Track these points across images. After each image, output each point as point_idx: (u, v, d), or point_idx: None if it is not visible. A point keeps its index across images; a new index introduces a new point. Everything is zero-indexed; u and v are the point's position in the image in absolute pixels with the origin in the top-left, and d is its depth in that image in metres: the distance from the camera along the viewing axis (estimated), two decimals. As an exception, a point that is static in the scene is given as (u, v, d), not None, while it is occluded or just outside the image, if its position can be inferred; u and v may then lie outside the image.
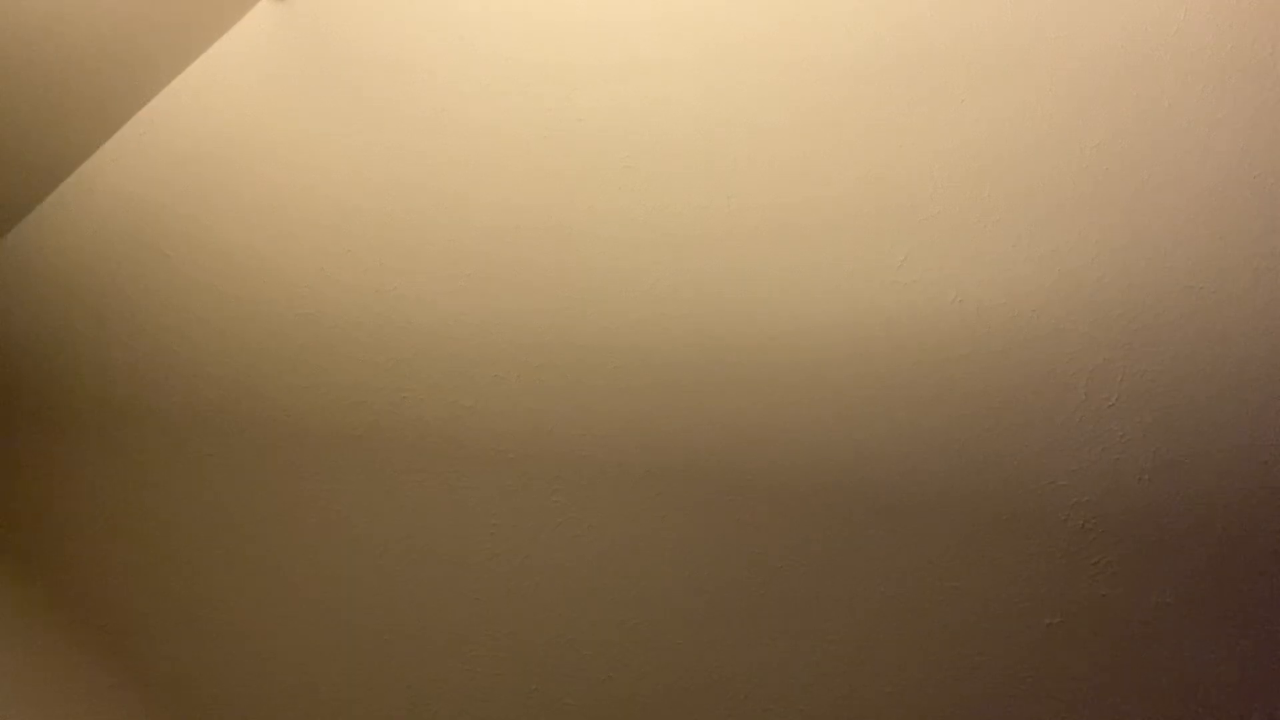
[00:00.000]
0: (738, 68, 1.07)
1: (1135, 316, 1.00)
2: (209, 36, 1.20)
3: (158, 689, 1.30)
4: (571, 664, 1.14)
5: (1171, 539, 1.01)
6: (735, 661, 1.08)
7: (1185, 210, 0.98)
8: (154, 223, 1.25)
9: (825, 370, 1.08)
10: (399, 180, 1.18)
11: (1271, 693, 0.99)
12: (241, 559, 1.27)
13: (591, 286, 1.14)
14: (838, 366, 1.08)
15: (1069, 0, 0.99)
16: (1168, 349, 1.00)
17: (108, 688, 1.31)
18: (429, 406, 1.19)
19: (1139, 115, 0.98)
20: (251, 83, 1.20)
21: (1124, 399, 1.01)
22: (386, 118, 1.17)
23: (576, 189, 1.13)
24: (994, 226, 1.02)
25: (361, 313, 1.21)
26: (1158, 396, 1.00)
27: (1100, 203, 1.00)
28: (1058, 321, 1.02)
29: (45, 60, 1.12)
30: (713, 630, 1.09)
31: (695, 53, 1.08)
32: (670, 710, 1.10)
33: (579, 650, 1.14)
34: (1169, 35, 0.96)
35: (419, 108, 1.16)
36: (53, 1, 1.07)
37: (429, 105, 1.16)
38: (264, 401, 1.24)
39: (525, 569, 1.17)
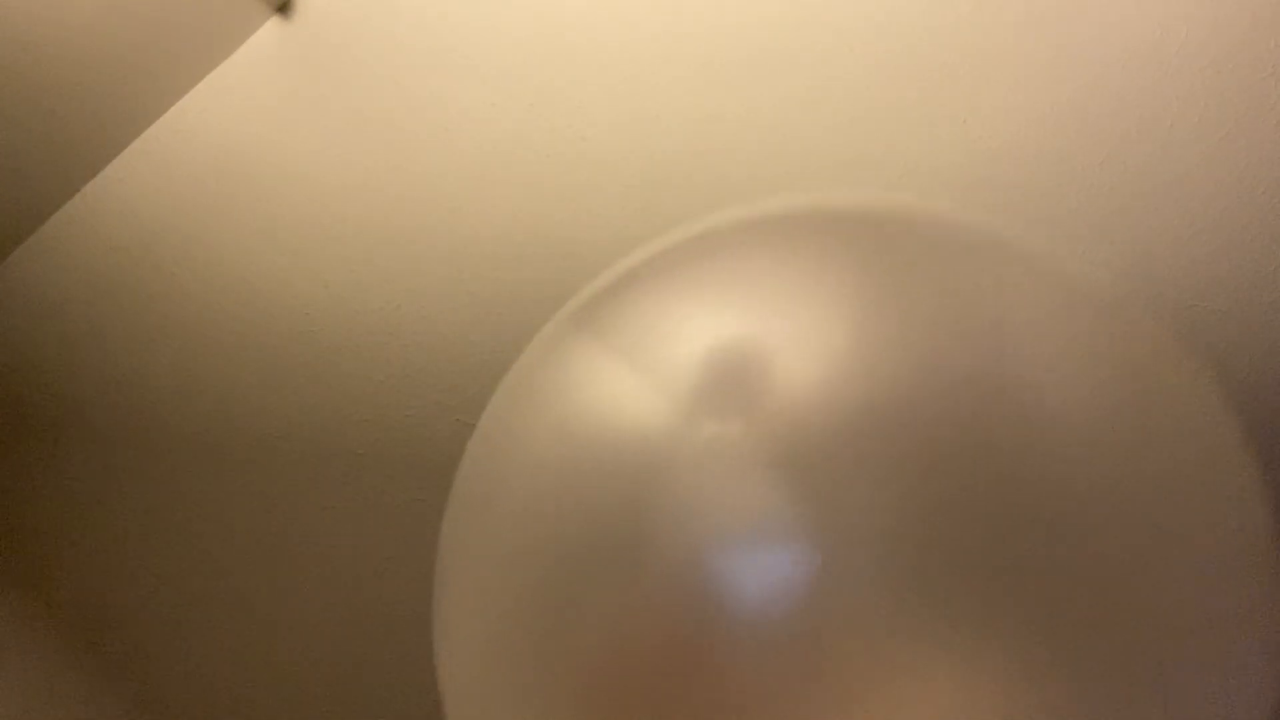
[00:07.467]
0: (741, 89, 1.07)
1: (1139, 334, 1.00)
2: (215, 56, 1.21)
3: (157, 705, 1.30)
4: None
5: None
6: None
7: (1187, 228, 0.98)
8: (159, 241, 1.26)
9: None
10: (403, 198, 1.18)
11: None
12: (244, 577, 1.27)
13: (595, 304, 1.14)
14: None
15: (1072, 18, 0.99)
16: (1172, 367, 0.99)
17: (112, 708, 1.31)
18: (433, 425, 1.20)
19: (1142, 133, 0.98)
20: (257, 102, 1.21)
21: (1129, 417, 1.01)
22: (391, 137, 1.18)
23: (580, 208, 1.13)
24: (997, 244, 1.02)
25: (364, 330, 1.21)
26: (1162, 414, 1.00)
27: (1102, 221, 1.00)
28: (1062, 339, 1.02)
29: (49, 80, 1.13)
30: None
31: (698, 73, 1.08)
32: None
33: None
34: (1172, 53, 0.96)
35: (423, 127, 1.16)
36: (57, 21, 1.08)
37: (433, 124, 1.16)
38: (267, 420, 1.25)
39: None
